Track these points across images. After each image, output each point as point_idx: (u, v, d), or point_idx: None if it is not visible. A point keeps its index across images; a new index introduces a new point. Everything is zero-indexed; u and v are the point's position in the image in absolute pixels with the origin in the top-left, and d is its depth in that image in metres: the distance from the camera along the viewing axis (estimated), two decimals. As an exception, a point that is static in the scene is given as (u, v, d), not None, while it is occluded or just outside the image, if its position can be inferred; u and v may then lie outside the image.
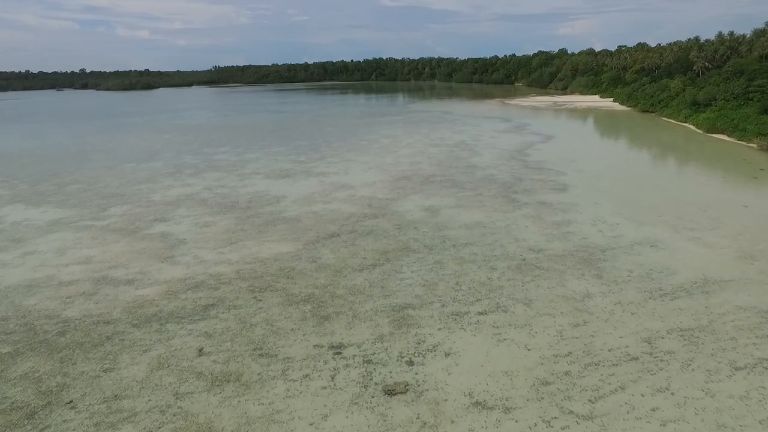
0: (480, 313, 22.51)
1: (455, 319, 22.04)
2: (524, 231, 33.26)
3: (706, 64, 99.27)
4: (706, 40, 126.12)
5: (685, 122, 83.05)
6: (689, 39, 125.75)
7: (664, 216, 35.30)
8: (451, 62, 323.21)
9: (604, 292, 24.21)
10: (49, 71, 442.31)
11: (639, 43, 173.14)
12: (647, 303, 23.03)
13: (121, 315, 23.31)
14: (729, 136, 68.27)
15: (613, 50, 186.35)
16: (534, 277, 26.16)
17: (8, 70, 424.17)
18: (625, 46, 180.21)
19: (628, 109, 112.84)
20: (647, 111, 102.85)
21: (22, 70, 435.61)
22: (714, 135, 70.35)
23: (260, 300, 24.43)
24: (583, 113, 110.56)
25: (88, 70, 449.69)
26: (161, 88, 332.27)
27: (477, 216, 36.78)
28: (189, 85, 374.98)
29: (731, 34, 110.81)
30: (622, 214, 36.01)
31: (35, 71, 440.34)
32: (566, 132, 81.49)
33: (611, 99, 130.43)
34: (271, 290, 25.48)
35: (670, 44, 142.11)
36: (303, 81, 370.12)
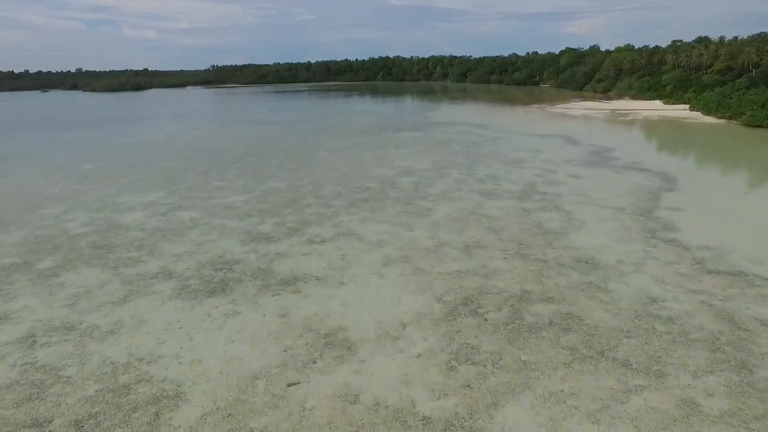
0: None
1: None
2: None
3: None
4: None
5: None
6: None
7: None
8: (465, 61, 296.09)
9: None
10: (47, 72, 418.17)
11: (699, 37, 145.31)
12: None
13: None
14: None
15: (664, 46, 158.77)
16: None
17: (6, 70, 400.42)
18: (681, 40, 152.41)
19: (720, 121, 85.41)
20: (757, 125, 75.62)
21: (22, 71, 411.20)
22: None
23: None
24: (666, 128, 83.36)
25: (84, 70, 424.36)
26: (153, 89, 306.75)
27: None
28: (183, 85, 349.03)
29: None
30: None
31: (34, 71, 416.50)
32: (685, 168, 52.93)
33: (687, 107, 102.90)
34: None
35: (750, 36, 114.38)
36: (305, 81, 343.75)
